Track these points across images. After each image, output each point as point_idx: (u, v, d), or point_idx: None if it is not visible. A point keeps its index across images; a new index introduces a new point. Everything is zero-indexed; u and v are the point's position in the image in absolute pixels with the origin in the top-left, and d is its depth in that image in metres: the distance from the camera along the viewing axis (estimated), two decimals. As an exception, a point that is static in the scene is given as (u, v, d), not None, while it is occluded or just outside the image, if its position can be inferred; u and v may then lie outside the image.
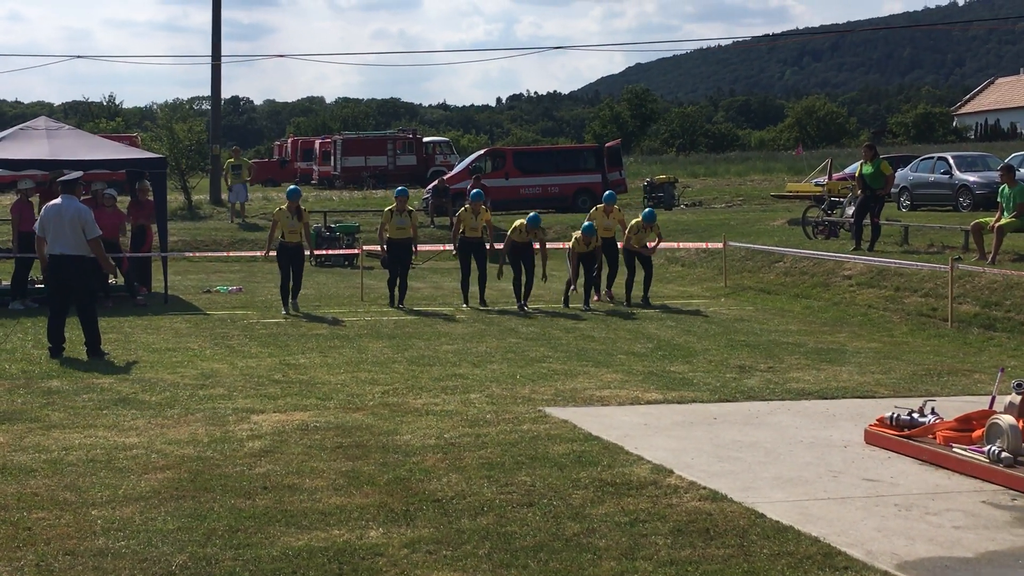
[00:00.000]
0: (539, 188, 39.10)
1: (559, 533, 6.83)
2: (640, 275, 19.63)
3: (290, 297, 18.11)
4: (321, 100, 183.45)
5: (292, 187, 19.32)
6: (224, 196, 37.22)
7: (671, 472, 8.24)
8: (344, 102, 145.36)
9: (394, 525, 6.99)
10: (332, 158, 53.65)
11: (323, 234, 28.65)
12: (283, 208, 18.07)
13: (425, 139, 58.95)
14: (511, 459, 8.60)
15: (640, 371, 12.75)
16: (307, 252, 18.90)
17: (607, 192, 20.93)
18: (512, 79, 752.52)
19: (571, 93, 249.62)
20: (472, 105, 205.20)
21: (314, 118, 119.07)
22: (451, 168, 44.38)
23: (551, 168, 39.84)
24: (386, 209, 19.10)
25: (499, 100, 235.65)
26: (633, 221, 19.83)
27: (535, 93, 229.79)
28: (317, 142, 60.36)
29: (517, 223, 18.76)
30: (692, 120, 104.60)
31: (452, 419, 10.08)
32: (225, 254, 28.17)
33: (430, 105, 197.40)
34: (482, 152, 42.42)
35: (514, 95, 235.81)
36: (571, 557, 6.40)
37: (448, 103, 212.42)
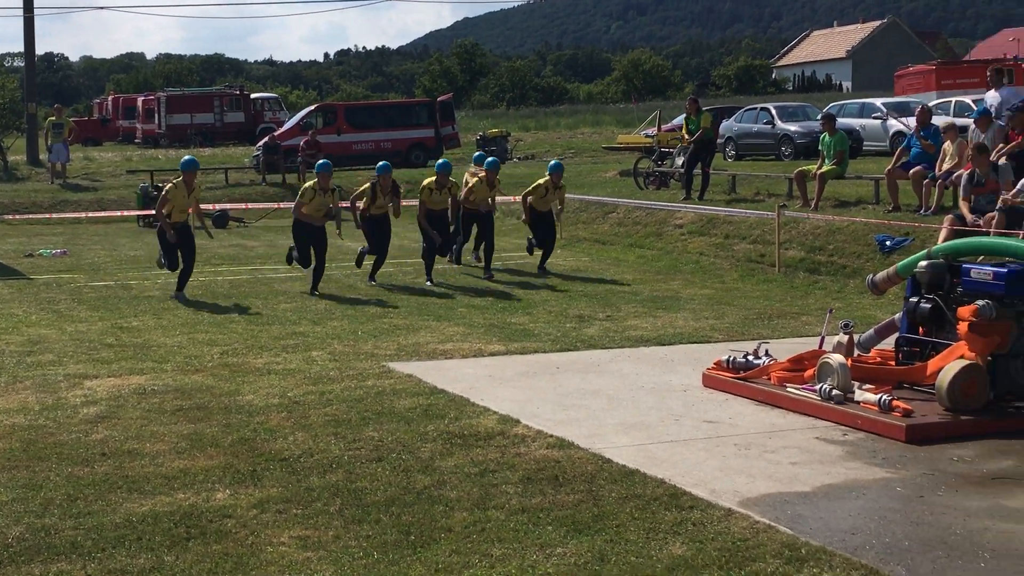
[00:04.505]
0: (372, 143, 38.68)
1: (410, 487, 6.81)
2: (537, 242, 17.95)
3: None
4: (141, 56, 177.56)
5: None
6: (43, 156, 35.69)
7: (518, 422, 8.29)
8: (166, 58, 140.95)
9: (241, 486, 6.86)
10: (156, 116, 51.94)
11: (151, 194, 27.84)
12: (177, 183, 14.96)
13: (253, 95, 57.68)
14: (357, 415, 8.52)
15: (481, 323, 12.78)
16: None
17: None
18: (340, 34, 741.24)
19: (400, 48, 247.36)
20: (300, 61, 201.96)
21: (135, 75, 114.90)
22: (281, 125, 43.57)
23: (384, 123, 39.48)
24: (307, 186, 15.68)
25: (327, 55, 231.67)
26: (540, 181, 17.82)
27: (364, 48, 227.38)
28: (140, 99, 58.31)
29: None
30: (521, 74, 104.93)
31: (295, 377, 9.93)
32: (47, 216, 27.05)
33: (256, 61, 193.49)
34: (313, 108, 41.74)
35: (342, 50, 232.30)
36: (423, 510, 6.38)
37: (275, 59, 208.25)
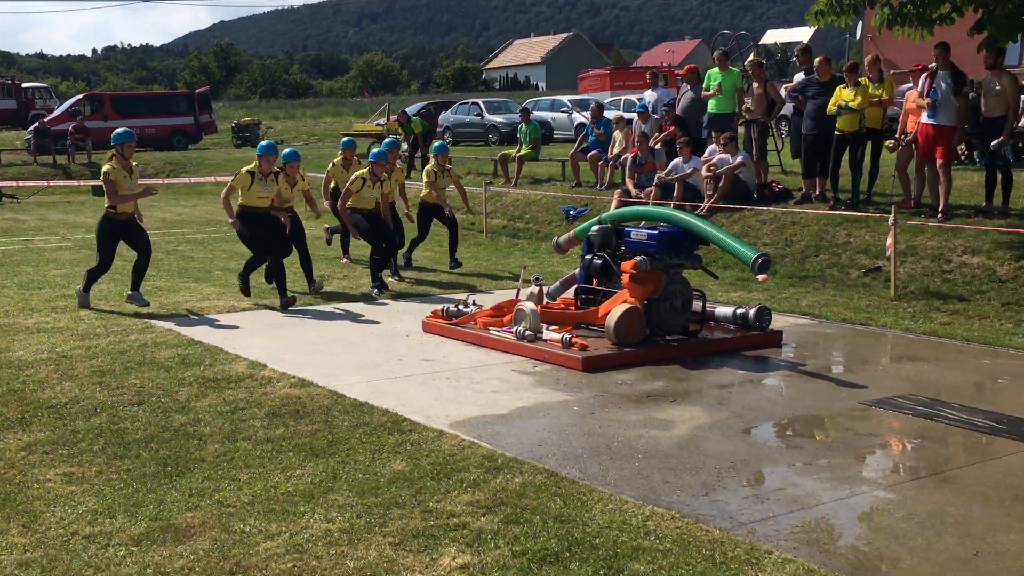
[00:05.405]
0: (137, 129, 36.67)
1: (168, 425, 6.53)
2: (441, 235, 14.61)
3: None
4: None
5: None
6: None
7: (265, 366, 8.09)
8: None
9: (10, 432, 6.38)
10: (-71, 103, 47.37)
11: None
12: (113, 164, 10.45)
13: (24, 85, 53.35)
14: (121, 365, 8.09)
15: (235, 283, 12.34)
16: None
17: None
18: (107, 32, 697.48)
19: (162, 46, 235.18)
20: (69, 55, 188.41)
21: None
22: (51, 112, 40.65)
23: (147, 111, 37.63)
24: (243, 170, 11.02)
25: (95, 51, 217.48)
26: (428, 167, 14.04)
27: (129, 45, 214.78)
28: (-87, 87, 52.94)
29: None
30: (272, 71, 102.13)
31: (64, 334, 9.31)
32: None
33: (28, 54, 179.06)
34: (80, 97, 39.24)
35: (109, 46, 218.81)
36: (179, 444, 6.14)
37: (45, 52, 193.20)
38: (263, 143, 11.47)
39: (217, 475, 5.59)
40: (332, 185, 13.79)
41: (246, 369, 7.99)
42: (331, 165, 13.90)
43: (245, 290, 11.10)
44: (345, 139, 14.21)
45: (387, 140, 13.90)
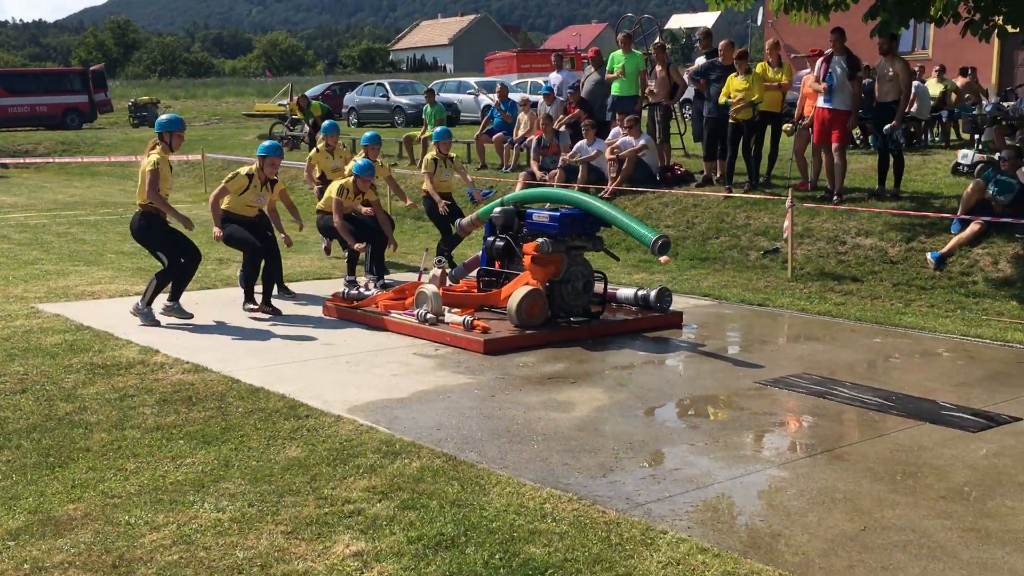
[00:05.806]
0: (28, 107, 35.56)
1: (52, 414, 6.28)
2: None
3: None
4: None
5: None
6: None
7: (158, 351, 7.85)
8: None
9: None
10: None
11: None
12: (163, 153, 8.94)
13: (-94, 60, 51.12)
14: (3, 352, 7.75)
15: (129, 268, 12.01)
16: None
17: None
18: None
19: (57, 22, 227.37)
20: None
21: None
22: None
23: (39, 89, 36.37)
24: (242, 172, 9.69)
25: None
26: (427, 157, 12.48)
27: (21, 20, 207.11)
28: None
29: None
30: (172, 49, 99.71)
31: (-57, 321, 8.90)
32: None
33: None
34: (-33, 73, 37.66)
35: (0, 22, 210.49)
36: (63, 433, 5.90)
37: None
38: (267, 143, 9.75)
39: (102, 465, 5.39)
40: (317, 175, 12.72)
41: (137, 355, 7.74)
42: (314, 151, 12.91)
43: (252, 299, 9.60)
44: (328, 123, 13.20)
45: (368, 134, 12.34)
